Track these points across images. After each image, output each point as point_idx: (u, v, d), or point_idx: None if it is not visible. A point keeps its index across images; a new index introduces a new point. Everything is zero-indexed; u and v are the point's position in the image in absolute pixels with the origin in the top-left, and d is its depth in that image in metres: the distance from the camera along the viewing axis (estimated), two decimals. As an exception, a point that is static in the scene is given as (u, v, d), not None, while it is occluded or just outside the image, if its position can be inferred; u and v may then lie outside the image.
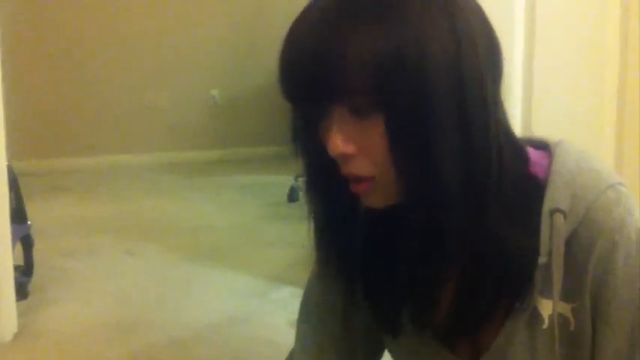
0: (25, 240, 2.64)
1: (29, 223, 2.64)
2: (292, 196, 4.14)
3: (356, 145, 0.68)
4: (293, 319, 2.44)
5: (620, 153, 1.80)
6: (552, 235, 0.71)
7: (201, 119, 5.70)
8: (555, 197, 0.72)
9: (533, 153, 0.77)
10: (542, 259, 0.72)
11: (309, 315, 0.93)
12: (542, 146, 0.79)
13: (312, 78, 0.67)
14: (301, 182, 4.34)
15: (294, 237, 3.47)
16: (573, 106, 1.83)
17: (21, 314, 2.36)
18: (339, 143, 0.68)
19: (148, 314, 2.50)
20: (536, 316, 0.74)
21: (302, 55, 0.67)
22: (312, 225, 0.80)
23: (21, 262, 2.63)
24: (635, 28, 1.78)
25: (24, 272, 2.63)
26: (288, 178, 4.32)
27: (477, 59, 0.68)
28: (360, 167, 0.69)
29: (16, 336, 2.28)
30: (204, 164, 5.43)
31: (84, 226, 3.67)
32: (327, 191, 0.76)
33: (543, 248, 0.72)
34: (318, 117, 0.71)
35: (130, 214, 4.00)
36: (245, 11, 5.66)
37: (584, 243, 0.71)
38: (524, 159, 0.76)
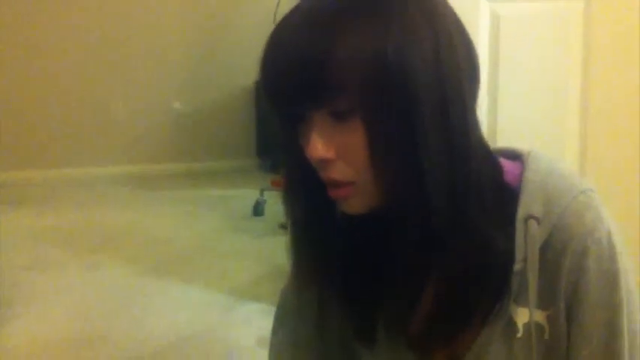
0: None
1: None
2: (257, 210, 4.11)
3: (336, 149, 0.68)
4: (258, 335, 2.42)
5: (582, 170, 1.84)
6: (527, 242, 0.72)
7: (163, 132, 5.64)
8: (529, 204, 0.73)
9: (506, 163, 0.78)
10: (517, 266, 0.72)
11: (283, 326, 0.91)
12: (514, 156, 0.80)
13: (294, 81, 0.66)
14: (267, 196, 4.35)
15: (258, 251, 3.44)
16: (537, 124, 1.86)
17: (-24, 331, 2.29)
18: (319, 147, 0.68)
19: (107, 329, 2.44)
20: (511, 324, 0.74)
21: (283, 58, 0.67)
22: (289, 231, 0.80)
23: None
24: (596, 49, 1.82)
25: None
26: (252, 191, 4.30)
27: (457, 66, 0.68)
28: (339, 172, 0.69)
29: (-30, 354, 2.20)
30: (165, 177, 5.37)
31: (42, 240, 3.58)
32: (306, 196, 0.76)
33: (518, 255, 0.72)
34: (298, 120, 0.70)
35: (89, 227, 3.92)
36: (208, 24, 5.63)
37: (557, 248, 0.72)
38: (498, 168, 0.76)
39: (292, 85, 0.67)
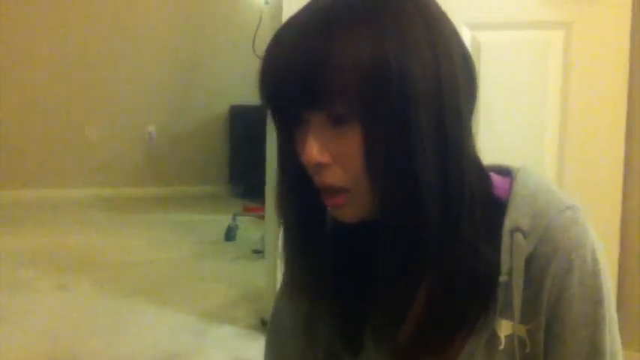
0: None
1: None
2: (229, 235, 4.10)
3: (331, 154, 0.68)
4: (232, 357, 2.40)
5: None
6: (513, 254, 0.72)
7: (136, 155, 5.62)
8: (516, 217, 0.73)
9: (496, 178, 0.79)
10: (502, 278, 0.72)
11: (275, 337, 0.92)
12: (505, 172, 0.80)
13: (294, 81, 0.66)
14: (239, 222, 4.34)
15: (231, 275, 3.43)
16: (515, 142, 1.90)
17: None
18: (314, 151, 0.68)
19: (78, 350, 2.41)
20: (494, 337, 0.74)
21: (284, 59, 0.67)
22: (281, 238, 0.79)
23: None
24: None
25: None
26: (224, 217, 4.29)
27: (455, 76, 0.69)
28: (334, 177, 0.69)
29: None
30: (138, 201, 5.33)
31: (13, 260, 3.52)
32: (299, 203, 0.76)
33: (504, 267, 0.72)
34: (295, 124, 0.71)
35: (60, 248, 3.87)
36: (184, 49, 5.65)
37: (542, 262, 0.72)
38: (488, 181, 0.77)
39: (292, 86, 0.67)
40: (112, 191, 5.42)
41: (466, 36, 1.94)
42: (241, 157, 5.41)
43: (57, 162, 5.31)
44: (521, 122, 1.94)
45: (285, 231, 0.79)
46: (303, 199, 0.75)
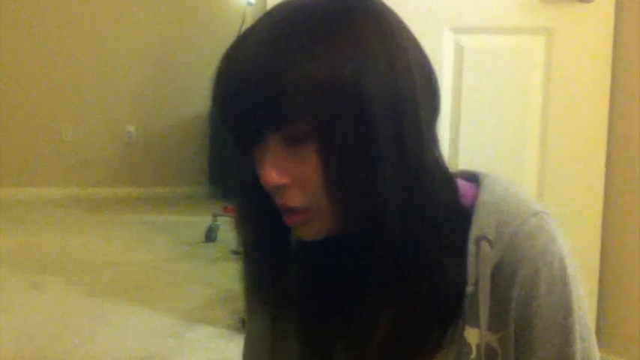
0: None
1: None
2: (210, 236, 4.07)
3: (290, 176, 0.67)
4: (211, 358, 2.38)
5: (540, 198, 1.89)
6: (478, 264, 0.71)
7: (114, 155, 5.57)
8: (481, 225, 0.72)
9: (463, 184, 0.78)
10: (469, 288, 0.71)
11: (250, 351, 0.91)
12: (473, 178, 0.79)
13: (248, 103, 0.65)
14: (220, 222, 4.32)
15: (210, 276, 3.41)
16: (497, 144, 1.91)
17: None
18: (273, 175, 0.67)
19: (51, 349, 2.37)
20: (464, 346, 0.73)
21: (238, 80, 0.66)
22: (242, 259, 0.78)
23: None
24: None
25: None
26: (204, 218, 4.26)
27: (414, 91, 0.67)
28: (294, 198, 0.68)
29: None
30: (116, 201, 5.28)
31: (-15, 259, 3.47)
32: (259, 222, 0.74)
33: (470, 277, 0.71)
34: (252, 144, 0.69)
35: (34, 247, 3.81)
36: (164, 48, 5.62)
37: (508, 270, 0.71)
38: (454, 188, 0.76)
39: (246, 108, 0.65)
40: (89, 191, 5.37)
41: (449, 40, 1.95)
42: (221, 158, 5.39)
43: (33, 160, 5.24)
44: (503, 125, 1.95)
45: (246, 252, 0.77)
46: (263, 218, 0.73)
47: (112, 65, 5.47)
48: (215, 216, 4.15)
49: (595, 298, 2.00)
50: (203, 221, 4.19)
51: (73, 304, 2.90)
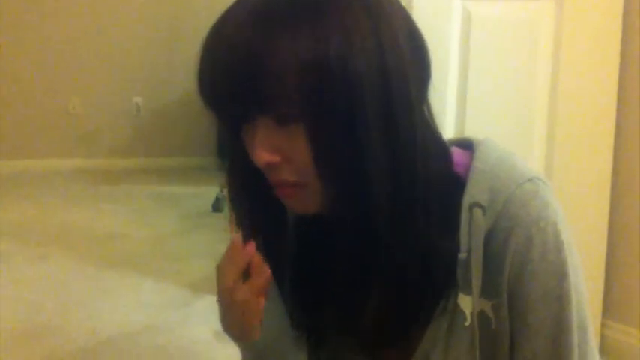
0: None
1: None
2: (217, 207, 4.07)
3: (281, 154, 0.67)
4: (216, 329, 2.38)
5: (549, 168, 1.86)
6: (471, 230, 0.71)
7: (122, 127, 5.55)
8: (474, 192, 0.71)
9: (457, 152, 0.77)
10: (462, 255, 0.71)
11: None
12: (468, 146, 0.78)
13: (234, 87, 0.64)
14: (227, 193, 4.34)
15: (217, 247, 3.39)
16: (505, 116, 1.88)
17: None
18: (264, 154, 0.67)
19: (57, 321, 2.38)
20: (458, 313, 0.73)
21: (222, 62, 0.65)
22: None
23: None
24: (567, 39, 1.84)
25: None
26: (211, 189, 4.25)
27: (402, 61, 0.66)
28: (286, 175, 0.68)
29: None
30: (124, 173, 5.27)
31: (-8, 231, 3.48)
32: (254, 200, 0.74)
33: (463, 244, 0.71)
34: (241, 124, 0.69)
35: (40, 220, 3.82)
36: (172, 18, 5.57)
37: (501, 237, 0.70)
38: (449, 159, 0.75)
39: (231, 92, 0.65)
40: (96, 163, 5.36)
41: (457, 6, 1.90)
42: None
43: (39, 132, 5.23)
44: (511, 94, 1.91)
45: (243, 227, 0.76)
46: (257, 194, 0.73)
47: (120, 36, 5.43)
48: (222, 187, 4.13)
49: (603, 266, 1.98)
50: (210, 192, 4.19)
51: (79, 276, 2.91)
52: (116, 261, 3.11)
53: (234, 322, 0.76)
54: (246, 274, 0.73)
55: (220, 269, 0.74)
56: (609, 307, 1.92)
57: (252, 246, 0.72)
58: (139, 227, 3.78)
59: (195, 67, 0.69)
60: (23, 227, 3.63)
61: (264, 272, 0.72)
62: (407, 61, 0.67)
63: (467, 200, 0.71)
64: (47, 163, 5.18)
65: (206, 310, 2.52)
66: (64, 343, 2.21)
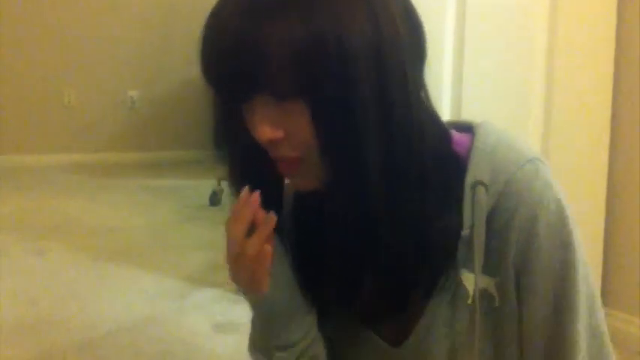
0: None
1: None
2: (214, 200, 4.06)
3: (283, 129, 0.69)
4: (214, 321, 2.39)
5: (545, 153, 1.85)
6: (474, 208, 0.72)
7: (117, 120, 5.53)
8: (476, 171, 0.73)
9: (456, 134, 0.79)
10: (464, 232, 0.72)
11: None
12: (466, 128, 0.80)
13: (234, 66, 0.66)
14: (224, 186, 4.31)
15: (214, 239, 3.40)
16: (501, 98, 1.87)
17: None
18: (266, 130, 0.68)
19: (55, 314, 2.37)
20: (460, 290, 0.74)
21: (221, 44, 0.67)
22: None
23: None
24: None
25: None
26: (208, 182, 4.24)
27: (397, 39, 0.67)
28: (288, 150, 0.70)
29: None
30: (120, 167, 5.26)
31: (-11, 225, 3.48)
32: (254, 178, 0.75)
33: (466, 221, 0.72)
34: (242, 102, 0.70)
35: (37, 213, 3.81)
36: (166, 10, 5.54)
37: (505, 216, 0.72)
38: (447, 138, 0.77)
39: (232, 70, 0.66)
40: (92, 156, 5.35)
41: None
42: (226, 122, 5.34)
43: (35, 126, 5.21)
44: (507, 79, 1.90)
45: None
46: (257, 172, 0.75)
47: (114, 29, 5.40)
48: (219, 180, 4.12)
49: (600, 251, 1.99)
50: (207, 185, 4.18)
51: (77, 268, 2.91)
52: (114, 254, 3.11)
53: (244, 276, 0.78)
54: (253, 229, 0.74)
55: (228, 224, 0.76)
56: (607, 295, 1.92)
57: (256, 196, 0.73)
58: (136, 220, 3.78)
59: (198, 48, 0.70)
60: (20, 221, 3.62)
61: (270, 220, 0.73)
62: (403, 41, 0.68)
63: (469, 179, 0.73)
64: (43, 157, 5.17)
65: (204, 302, 2.51)
66: (62, 336, 2.21)
